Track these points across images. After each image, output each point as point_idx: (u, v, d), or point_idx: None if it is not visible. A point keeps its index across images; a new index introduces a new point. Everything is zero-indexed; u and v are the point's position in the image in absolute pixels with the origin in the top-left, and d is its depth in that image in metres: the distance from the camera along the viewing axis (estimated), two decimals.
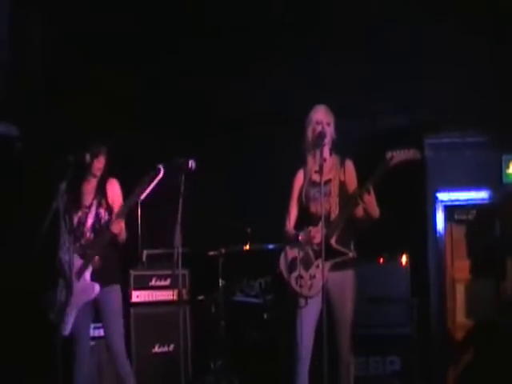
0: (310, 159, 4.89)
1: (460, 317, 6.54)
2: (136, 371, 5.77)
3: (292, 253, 4.81)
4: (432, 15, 6.63)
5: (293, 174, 4.97)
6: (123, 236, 4.99)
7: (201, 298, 6.32)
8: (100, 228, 4.99)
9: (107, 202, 5.05)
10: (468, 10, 6.52)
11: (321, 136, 4.75)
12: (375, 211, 4.67)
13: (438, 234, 6.71)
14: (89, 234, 5.01)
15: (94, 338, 5.75)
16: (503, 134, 6.53)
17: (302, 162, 4.95)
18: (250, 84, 6.96)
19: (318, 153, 4.74)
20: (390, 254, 6.23)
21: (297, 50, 6.90)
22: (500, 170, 6.65)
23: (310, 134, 4.86)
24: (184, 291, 6.06)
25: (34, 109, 6.61)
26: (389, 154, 4.64)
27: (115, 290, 5.03)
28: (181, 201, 4.93)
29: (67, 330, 4.85)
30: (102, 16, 6.74)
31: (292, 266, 4.79)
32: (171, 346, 6.07)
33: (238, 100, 7.00)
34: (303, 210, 4.88)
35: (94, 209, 5.02)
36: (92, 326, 5.55)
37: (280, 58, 6.90)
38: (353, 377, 4.74)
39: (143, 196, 4.83)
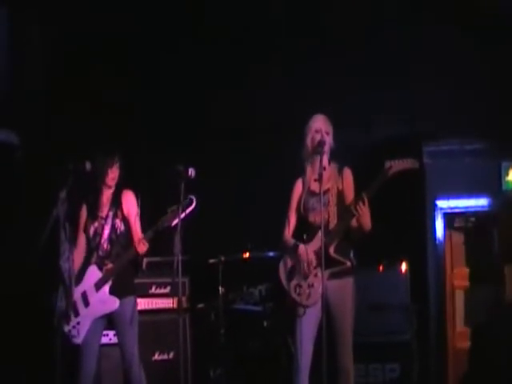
0: (308, 168, 4.91)
1: (459, 324, 6.54)
2: None
3: (290, 262, 4.82)
4: (430, 24, 6.65)
5: (292, 182, 4.98)
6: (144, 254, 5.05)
7: (201, 305, 6.32)
8: (116, 239, 5.08)
9: (123, 213, 5.11)
10: (467, 18, 6.54)
11: (320, 144, 4.77)
12: (367, 223, 4.67)
13: (437, 242, 6.71)
14: (106, 245, 5.10)
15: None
16: (502, 141, 6.54)
17: (301, 171, 4.96)
18: (249, 93, 6.98)
19: (316, 161, 4.76)
20: (389, 261, 6.24)
21: (296, 59, 6.91)
22: (499, 178, 6.65)
23: (309, 142, 4.87)
24: (184, 299, 6.06)
25: (34, 116, 6.62)
26: (387, 164, 4.65)
27: (130, 301, 5.07)
28: (180, 209, 4.95)
29: (80, 339, 4.91)
30: (103, 22, 6.76)
31: (291, 274, 4.80)
32: (171, 354, 6.07)
33: (237, 109, 7.02)
34: (302, 220, 4.90)
35: (110, 220, 5.09)
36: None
37: (279, 67, 6.93)
38: None
39: (173, 223, 4.89)
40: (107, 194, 5.16)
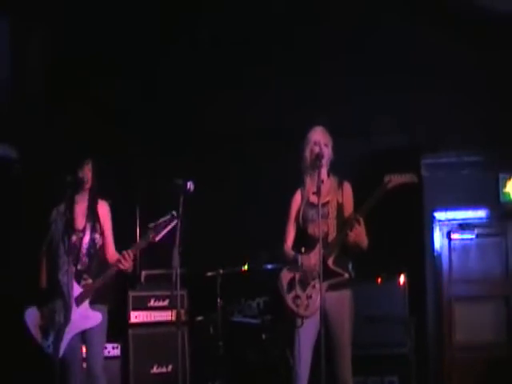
0: (308, 180, 4.91)
1: (458, 336, 6.54)
2: None
3: (289, 274, 4.81)
4: (429, 34, 6.66)
5: (291, 194, 4.99)
6: (130, 269, 4.97)
7: (199, 318, 6.31)
8: (95, 253, 4.98)
9: (100, 226, 5.02)
10: (466, 28, 6.56)
11: (318, 157, 4.77)
12: (363, 242, 4.68)
13: (435, 254, 6.73)
14: (84, 259, 4.97)
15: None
16: (500, 153, 6.56)
17: (300, 182, 4.97)
18: (250, 97, 6.98)
19: (315, 174, 4.75)
20: (387, 273, 6.24)
21: (294, 69, 6.92)
22: (497, 189, 6.68)
23: (307, 154, 4.87)
24: (182, 312, 6.04)
25: (32, 130, 6.62)
26: (386, 178, 4.67)
27: (101, 311, 4.93)
28: (179, 222, 4.96)
29: (60, 354, 4.79)
30: (101, 33, 6.77)
31: (290, 286, 4.79)
32: (169, 367, 6.07)
33: (235, 120, 7.02)
34: (301, 231, 4.89)
35: (88, 233, 4.97)
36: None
37: (277, 77, 6.93)
38: None
39: (157, 239, 4.86)
40: (82, 205, 5.01)
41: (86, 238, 4.97)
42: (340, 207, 4.80)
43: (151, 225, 4.89)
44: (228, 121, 7.00)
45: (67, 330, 4.81)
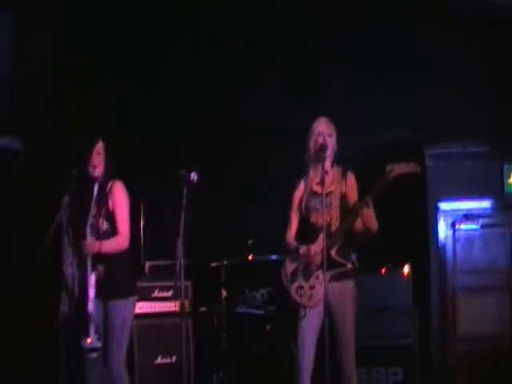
0: (311, 171, 4.91)
1: (462, 327, 6.53)
2: (139, 382, 5.81)
3: (293, 264, 4.82)
4: (431, 28, 6.65)
5: (294, 185, 4.98)
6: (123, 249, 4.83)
7: (203, 309, 6.33)
8: (97, 239, 4.80)
9: (107, 209, 4.85)
10: (467, 21, 6.55)
11: (322, 148, 4.77)
12: (373, 225, 4.67)
13: (439, 244, 6.72)
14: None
15: (97, 349, 5.77)
16: (504, 143, 6.55)
17: (303, 173, 4.97)
18: (251, 97, 6.98)
19: (319, 164, 4.74)
20: (391, 264, 6.24)
21: (296, 64, 6.91)
22: (501, 180, 6.67)
23: (311, 146, 4.87)
24: (186, 303, 6.07)
25: (36, 122, 6.63)
26: (389, 167, 4.65)
27: (120, 305, 4.87)
28: (183, 213, 4.97)
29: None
30: (104, 29, 6.77)
31: (293, 276, 4.80)
32: (174, 358, 6.06)
33: (238, 112, 7.02)
34: (304, 221, 4.89)
35: (94, 220, 4.83)
36: (96, 337, 5.56)
37: (279, 72, 6.92)
38: None
39: None
40: (95, 190, 4.83)
41: (93, 225, 4.83)
42: (343, 197, 4.80)
43: None
44: (232, 117, 7.00)
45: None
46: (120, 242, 4.85)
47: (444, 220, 6.74)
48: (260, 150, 6.93)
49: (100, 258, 4.78)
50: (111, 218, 4.84)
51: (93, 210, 4.79)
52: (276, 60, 6.91)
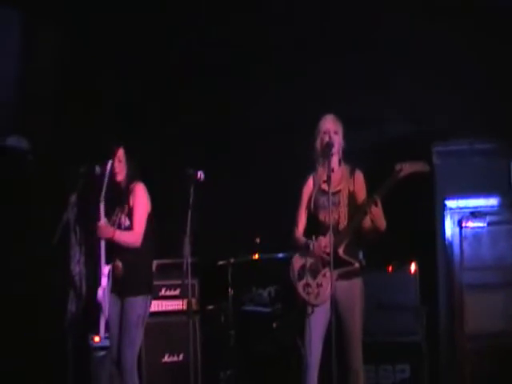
0: (319, 168, 4.90)
1: (469, 325, 6.51)
2: (146, 380, 5.83)
3: (300, 261, 4.82)
4: (439, 23, 6.63)
5: (302, 183, 4.98)
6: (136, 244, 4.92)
7: (210, 307, 6.34)
8: None
9: (129, 208, 5.00)
10: (474, 17, 6.53)
11: (328, 145, 4.77)
12: (382, 223, 4.67)
13: (446, 242, 6.69)
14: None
15: (104, 348, 5.79)
16: (511, 140, 6.53)
17: (308, 171, 4.97)
18: (258, 93, 6.98)
19: (326, 163, 4.74)
20: (398, 262, 6.23)
21: (304, 60, 6.91)
22: (509, 177, 6.64)
23: (318, 143, 4.87)
24: (193, 301, 6.09)
25: (44, 121, 6.65)
26: (398, 166, 4.64)
27: (136, 302, 4.94)
28: (190, 211, 4.98)
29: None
30: (113, 27, 6.79)
31: (300, 273, 4.80)
32: (181, 356, 6.07)
33: (247, 111, 7.03)
34: (312, 218, 4.89)
35: (117, 217, 5.01)
36: (103, 335, 5.61)
37: (286, 69, 6.92)
38: None
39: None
40: (118, 191, 5.05)
41: (116, 222, 4.98)
42: (351, 196, 4.80)
43: None
44: (241, 115, 7.02)
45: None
46: (132, 238, 4.93)
47: (451, 217, 6.71)
48: (267, 149, 6.94)
49: (119, 252, 4.88)
50: (131, 215, 4.97)
51: (116, 209, 4.97)
52: (278, 56, 6.91)
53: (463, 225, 6.67)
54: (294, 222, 4.94)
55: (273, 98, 6.95)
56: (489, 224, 6.65)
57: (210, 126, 7.07)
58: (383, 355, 5.91)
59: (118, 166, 4.99)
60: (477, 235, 6.67)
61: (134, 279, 4.92)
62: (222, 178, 6.46)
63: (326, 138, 4.82)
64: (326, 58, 6.87)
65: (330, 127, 4.86)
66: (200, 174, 5.04)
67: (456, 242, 6.68)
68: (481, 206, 6.67)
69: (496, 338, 6.31)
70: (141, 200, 5.00)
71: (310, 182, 4.94)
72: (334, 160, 4.82)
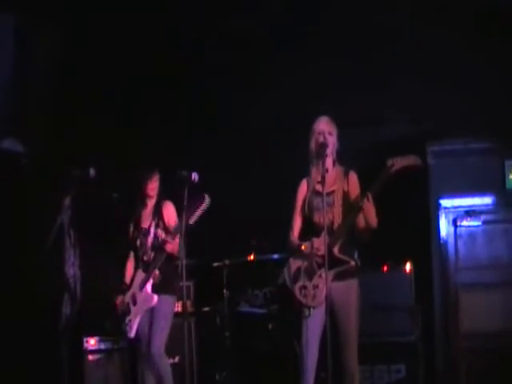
0: (313, 170, 4.89)
1: (465, 324, 6.53)
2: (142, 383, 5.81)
3: (296, 263, 4.81)
4: (435, 23, 6.63)
5: (297, 185, 4.98)
6: (177, 253, 5.28)
7: (206, 309, 6.33)
8: (159, 246, 5.35)
9: (164, 223, 5.42)
10: (470, 17, 6.53)
11: (323, 146, 4.76)
12: (373, 220, 4.63)
13: (441, 241, 6.71)
14: (149, 252, 5.41)
15: (99, 351, 5.80)
16: (505, 139, 6.54)
17: (306, 172, 4.97)
18: (255, 94, 6.99)
19: (321, 164, 4.73)
20: (393, 261, 6.24)
21: (299, 59, 6.91)
22: (503, 176, 6.66)
23: (312, 144, 4.86)
24: (189, 303, 6.09)
25: (39, 124, 6.64)
26: (389, 162, 4.62)
27: (168, 299, 5.35)
28: (184, 213, 4.98)
29: (132, 333, 5.32)
30: (109, 28, 6.77)
31: (296, 276, 4.79)
32: (177, 358, 6.04)
33: (242, 111, 7.03)
34: (307, 220, 4.87)
35: (152, 230, 5.42)
36: (98, 339, 5.65)
37: (282, 68, 6.92)
38: None
39: (192, 221, 5.09)
40: (150, 206, 5.49)
41: (151, 235, 5.41)
42: (346, 196, 4.78)
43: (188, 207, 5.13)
44: (236, 116, 7.04)
45: (134, 312, 5.32)
46: (175, 248, 5.29)
47: (446, 217, 6.73)
48: (266, 149, 6.93)
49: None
50: (167, 230, 5.37)
51: (149, 223, 5.46)
52: (275, 57, 6.91)
53: (458, 224, 6.69)
54: (289, 226, 4.93)
55: (267, 100, 6.95)
56: (484, 223, 6.68)
57: (210, 125, 7.06)
58: (378, 355, 5.92)
59: (152, 190, 5.47)
60: (472, 234, 6.69)
61: (167, 281, 5.35)
62: (218, 179, 6.46)
63: (321, 139, 4.81)
64: (322, 59, 6.87)
65: (325, 128, 4.86)
66: (194, 176, 5.03)
67: (451, 241, 6.71)
68: (476, 205, 6.69)
69: (491, 337, 6.33)
70: (173, 216, 5.43)
71: (304, 185, 4.94)
72: (328, 161, 4.81)
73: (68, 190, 4.88)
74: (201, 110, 7.13)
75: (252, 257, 6.17)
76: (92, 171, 4.96)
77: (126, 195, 5.92)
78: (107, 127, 6.76)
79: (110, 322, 5.85)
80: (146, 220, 5.49)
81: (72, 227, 4.95)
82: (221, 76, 7.04)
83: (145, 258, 5.42)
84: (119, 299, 5.42)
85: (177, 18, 6.94)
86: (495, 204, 6.68)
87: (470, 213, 6.70)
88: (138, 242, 5.45)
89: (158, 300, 5.29)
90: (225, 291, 6.11)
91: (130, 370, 5.97)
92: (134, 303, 5.35)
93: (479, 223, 6.67)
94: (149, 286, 5.33)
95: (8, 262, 6.12)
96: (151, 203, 5.50)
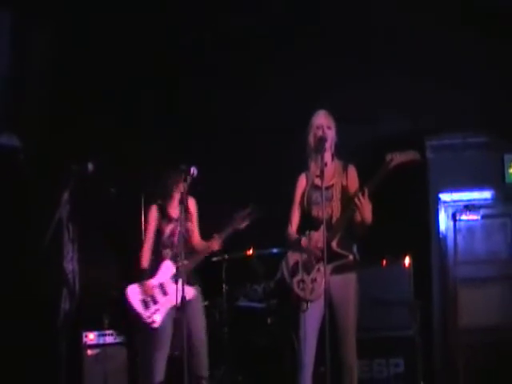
0: (312, 164, 4.90)
1: (463, 318, 6.53)
2: (141, 378, 5.82)
3: (294, 257, 4.82)
4: (432, 19, 6.64)
5: (295, 179, 4.98)
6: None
7: (205, 303, 6.31)
8: (187, 239, 5.47)
9: (190, 217, 5.56)
10: (468, 13, 6.53)
11: (321, 140, 4.77)
12: (368, 216, 4.61)
13: (440, 235, 6.71)
14: (177, 244, 5.44)
15: (98, 346, 5.79)
16: (504, 134, 6.54)
17: (305, 167, 4.96)
18: (255, 94, 7.01)
19: (319, 158, 4.73)
20: (392, 256, 6.24)
21: (299, 59, 6.92)
22: (502, 170, 6.66)
23: (311, 139, 4.87)
24: None
25: (35, 119, 6.64)
26: (388, 157, 4.62)
27: (198, 290, 5.48)
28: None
29: (157, 323, 5.29)
30: (105, 25, 6.77)
31: (294, 270, 4.80)
32: (175, 352, 6.07)
33: (241, 108, 7.04)
34: (305, 214, 4.89)
35: (183, 222, 5.38)
36: (97, 333, 5.63)
37: (282, 68, 6.93)
38: (356, 380, 4.75)
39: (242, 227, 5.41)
40: (177, 199, 5.49)
41: (182, 226, 5.36)
42: (344, 190, 4.79)
43: (236, 214, 5.42)
44: (235, 112, 7.05)
45: (164, 302, 5.31)
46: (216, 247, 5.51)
47: (445, 211, 6.74)
48: (265, 148, 6.94)
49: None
50: (191, 224, 5.57)
51: (178, 215, 5.46)
52: (275, 57, 6.91)
53: (457, 218, 6.69)
54: (287, 220, 4.94)
55: (266, 96, 6.95)
56: (483, 217, 6.68)
57: (209, 125, 7.06)
58: (377, 350, 5.92)
59: (184, 185, 5.40)
60: (471, 228, 6.70)
61: (196, 275, 5.48)
62: (218, 175, 6.46)
63: (320, 133, 4.82)
64: (320, 55, 6.87)
65: (323, 122, 4.86)
66: (193, 170, 5.04)
67: (450, 235, 6.71)
68: (475, 199, 6.70)
69: (490, 331, 6.34)
70: (196, 212, 5.62)
71: (303, 179, 4.94)
72: (327, 155, 4.82)
73: (66, 185, 4.89)
74: (201, 110, 7.13)
75: (251, 251, 6.17)
76: (90, 166, 4.97)
77: (125, 190, 5.93)
78: (106, 126, 6.76)
79: (109, 317, 5.85)
80: (175, 211, 5.51)
81: (71, 222, 4.96)
82: (221, 76, 7.04)
83: (174, 250, 5.43)
84: (147, 285, 5.32)
85: (177, 17, 6.94)
86: (494, 198, 6.69)
87: (469, 207, 6.70)
88: (168, 231, 5.45)
89: (189, 290, 5.26)
90: (224, 286, 6.11)
91: (129, 364, 5.98)
92: (165, 293, 5.33)
93: (478, 217, 6.68)
94: (183, 279, 5.29)
95: (6, 256, 6.13)
96: (177, 197, 5.50)
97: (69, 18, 6.67)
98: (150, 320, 5.23)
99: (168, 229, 5.43)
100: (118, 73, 6.88)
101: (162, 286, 5.32)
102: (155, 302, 5.28)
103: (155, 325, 5.25)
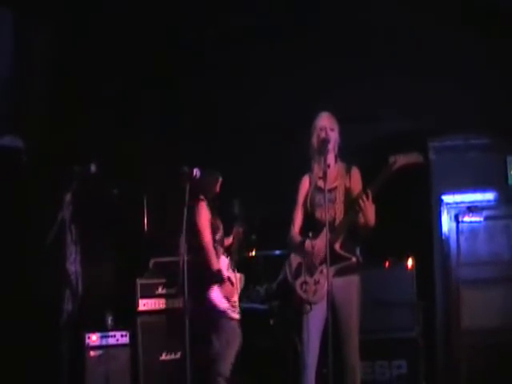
0: (315, 166, 4.89)
1: (466, 320, 6.53)
2: (144, 379, 5.82)
3: (297, 258, 4.81)
4: (434, 19, 6.63)
5: (298, 180, 4.98)
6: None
7: None
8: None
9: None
10: (470, 13, 6.53)
11: (324, 142, 4.76)
12: (371, 218, 4.60)
13: (443, 237, 6.71)
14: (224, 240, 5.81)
15: (101, 347, 5.80)
16: (507, 135, 6.53)
17: (307, 169, 4.96)
18: (255, 94, 7.00)
19: (322, 159, 4.73)
20: (395, 257, 6.24)
21: (297, 55, 6.91)
22: (505, 172, 6.65)
23: (314, 140, 4.87)
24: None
25: (38, 121, 6.64)
26: (392, 159, 4.61)
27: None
28: (185, 209, 4.98)
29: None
30: (105, 25, 6.77)
31: (297, 271, 4.79)
32: (178, 354, 6.07)
33: (241, 108, 7.03)
34: (308, 216, 4.88)
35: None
36: (99, 334, 5.63)
37: (281, 65, 6.92)
38: (359, 382, 4.74)
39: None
40: (208, 201, 5.72)
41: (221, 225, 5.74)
42: (348, 192, 4.78)
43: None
44: (237, 114, 7.06)
45: (233, 292, 5.59)
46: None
47: (448, 212, 6.73)
48: (263, 145, 6.93)
49: None
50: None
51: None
52: (275, 57, 6.91)
53: (460, 220, 6.68)
54: (290, 221, 4.93)
55: (268, 95, 6.95)
56: (485, 219, 6.66)
57: (209, 125, 7.06)
58: (380, 351, 5.91)
59: (218, 189, 5.82)
60: (473, 230, 6.69)
61: None
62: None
63: (323, 135, 4.82)
64: (321, 55, 6.86)
65: (326, 124, 4.86)
66: (196, 172, 5.03)
67: (453, 236, 6.70)
68: (477, 201, 6.68)
69: (492, 333, 6.33)
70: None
71: (306, 180, 4.94)
72: (330, 157, 4.82)
73: (69, 186, 4.89)
74: (201, 110, 7.13)
75: (253, 252, 6.17)
76: (93, 167, 4.96)
77: (126, 191, 5.93)
78: (106, 126, 6.76)
79: (113, 318, 5.84)
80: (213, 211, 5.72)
81: (73, 223, 4.95)
82: (221, 76, 7.04)
83: (223, 246, 5.72)
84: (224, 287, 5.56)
85: (177, 17, 6.94)
86: (497, 200, 6.68)
87: (471, 209, 6.69)
88: (215, 229, 5.65)
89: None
90: None
91: (131, 365, 5.98)
92: (232, 284, 5.60)
93: (481, 219, 6.67)
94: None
95: (8, 258, 6.12)
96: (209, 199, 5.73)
97: (69, 17, 6.66)
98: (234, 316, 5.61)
99: (214, 226, 5.70)
100: (118, 73, 6.88)
101: (230, 279, 5.67)
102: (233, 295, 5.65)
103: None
